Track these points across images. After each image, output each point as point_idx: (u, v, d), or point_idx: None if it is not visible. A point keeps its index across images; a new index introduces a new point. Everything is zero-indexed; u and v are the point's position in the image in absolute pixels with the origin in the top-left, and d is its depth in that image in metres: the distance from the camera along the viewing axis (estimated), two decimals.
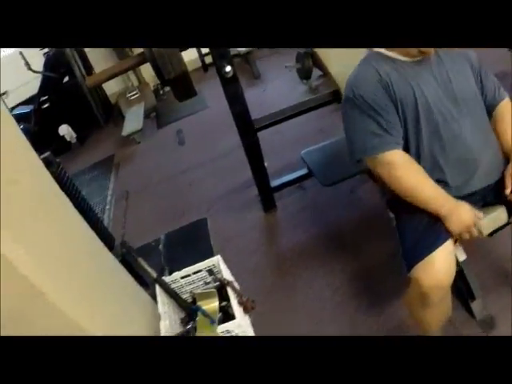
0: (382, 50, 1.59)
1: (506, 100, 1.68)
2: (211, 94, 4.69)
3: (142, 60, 1.61)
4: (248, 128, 2.27)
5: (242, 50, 5.20)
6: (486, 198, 1.63)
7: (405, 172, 1.49)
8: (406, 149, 1.56)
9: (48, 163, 2.40)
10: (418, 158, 1.55)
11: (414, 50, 1.52)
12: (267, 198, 2.78)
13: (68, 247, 1.51)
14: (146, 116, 5.27)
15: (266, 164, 3.07)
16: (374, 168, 1.57)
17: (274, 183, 2.86)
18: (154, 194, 3.76)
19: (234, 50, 5.35)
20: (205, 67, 5.74)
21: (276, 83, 5.10)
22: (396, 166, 1.49)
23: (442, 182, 1.54)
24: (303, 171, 2.86)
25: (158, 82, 5.63)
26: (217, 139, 4.00)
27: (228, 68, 1.95)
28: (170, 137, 4.66)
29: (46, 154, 2.48)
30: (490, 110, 1.66)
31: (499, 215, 1.60)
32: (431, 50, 1.53)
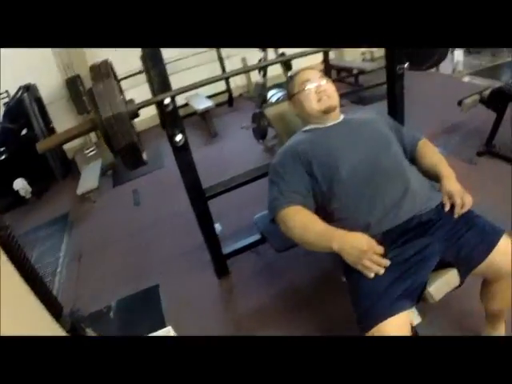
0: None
1: (423, 140, 1.94)
2: (168, 152, 4.69)
3: (93, 127, 1.60)
4: (199, 196, 2.27)
5: (200, 107, 5.26)
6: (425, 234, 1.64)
7: (293, 222, 1.59)
8: (328, 202, 1.68)
9: None
10: (340, 208, 1.66)
11: (317, 113, 1.82)
12: (220, 264, 2.76)
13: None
14: (103, 173, 5.21)
15: (219, 227, 3.07)
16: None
17: (228, 249, 2.83)
18: (108, 255, 3.65)
19: (191, 108, 5.45)
20: (163, 123, 5.78)
21: (233, 142, 5.20)
22: (287, 219, 1.62)
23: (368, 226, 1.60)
24: (257, 236, 2.84)
25: None
26: (173, 199, 3.96)
27: (179, 137, 1.96)
28: (126, 196, 4.61)
29: None
30: (413, 152, 1.89)
31: (451, 278, 1.61)
32: (332, 109, 1.82)
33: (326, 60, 5.29)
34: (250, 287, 2.76)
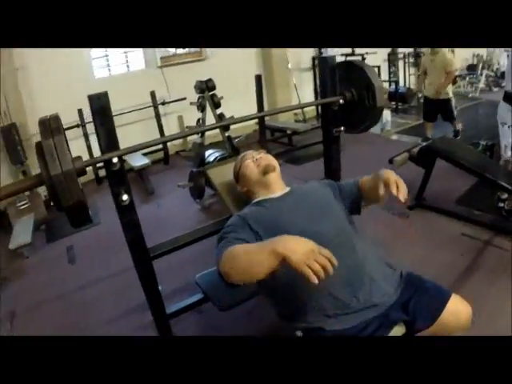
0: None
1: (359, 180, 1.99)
2: (104, 208, 4.59)
3: (39, 182, 1.54)
4: (143, 256, 2.20)
5: (136, 165, 5.23)
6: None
7: (236, 251, 1.47)
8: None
9: None
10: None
11: (258, 177, 1.90)
12: (163, 325, 2.66)
13: None
14: (36, 228, 4.96)
15: (160, 288, 2.98)
16: None
17: (170, 309, 2.73)
18: (42, 316, 3.40)
19: (127, 165, 5.38)
20: (98, 180, 5.66)
21: (169, 200, 5.16)
22: (230, 253, 1.48)
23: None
24: (199, 296, 2.78)
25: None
26: (110, 257, 3.85)
27: (125, 196, 1.92)
28: (61, 252, 4.39)
29: None
30: (357, 192, 1.95)
31: (396, 331, 1.63)
32: (271, 168, 1.90)
33: (261, 121, 5.43)
34: None
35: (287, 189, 1.94)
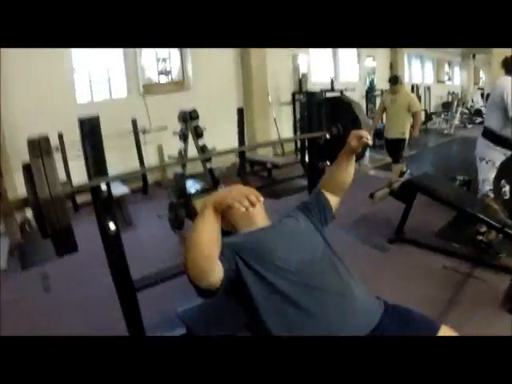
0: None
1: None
2: (81, 235, 4.47)
3: (23, 205, 1.49)
4: (128, 288, 2.14)
5: (115, 193, 5.09)
6: None
7: (186, 249, 1.45)
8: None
9: None
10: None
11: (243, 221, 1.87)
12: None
13: None
14: (11, 253, 4.81)
15: None
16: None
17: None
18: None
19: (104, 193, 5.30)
20: (75, 207, 5.55)
21: (148, 231, 5.06)
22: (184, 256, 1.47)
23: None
24: (182, 330, 2.71)
25: (25, 215, 5.31)
26: (88, 285, 3.74)
27: (113, 225, 1.87)
28: (37, 281, 4.24)
29: None
30: (321, 193, 2.01)
31: None
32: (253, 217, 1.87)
33: (241, 154, 5.46)
34: None
35: (269, 222, 1.93)
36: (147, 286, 2.27)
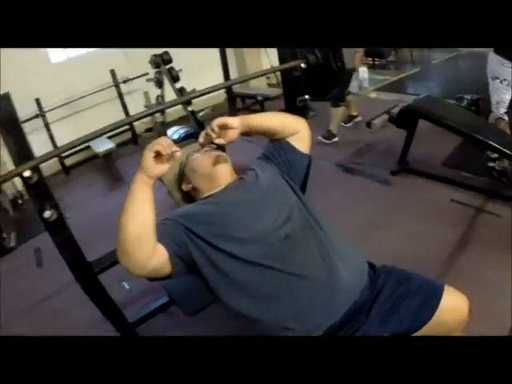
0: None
1: None
2: (73, 201, 4.30)
3: None
4: (85, 273, 1.91)
5: (100, 150, 4.85)
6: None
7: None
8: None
9: None
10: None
11: (209, 169, 1.66)
12: (128, 333, 2.40)
13: None
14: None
15: (127, 286, 2.80)
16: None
17: (136, 316, 2.50)
18: (13, 328, 3.17)
19: (90, 151, 5.08)
20: (66, 170, 5.34)
21: None
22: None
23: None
24: (165, 299, 2.55)
25: (17, 189, 5.16)
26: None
27: (48, 213, 1.60)
28: (30, 255, 4.07)
29: None
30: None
31: None
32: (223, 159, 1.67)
33: (229, 89, 5.08)
34: None
35: (235, 180, 1.69)
36: (108, 267, 2.02)
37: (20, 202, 5.22)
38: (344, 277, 1.42)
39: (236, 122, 1.51)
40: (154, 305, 2.59)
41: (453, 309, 1.42)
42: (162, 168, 1.32)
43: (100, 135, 1.68)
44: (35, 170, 1.48)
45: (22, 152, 1.51)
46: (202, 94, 1.92)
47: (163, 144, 1.29)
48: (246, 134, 1.58)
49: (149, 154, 1.29)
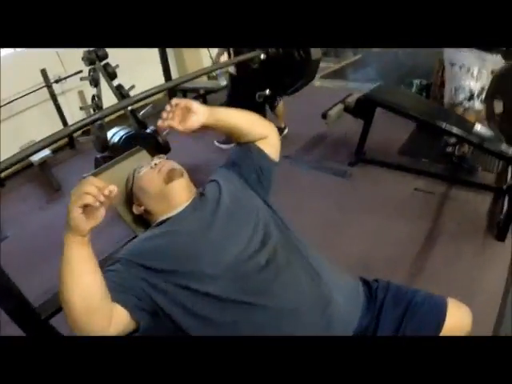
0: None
1: None
2: (10, 216, 3.92)
3: None
4: (32, 322, 1.60)
5: (35, 159, 4.42)
6: None
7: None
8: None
9: None
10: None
11: (160, 186, 1.41)
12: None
13: None
14: None
15: None
16: None
17: None
18: None
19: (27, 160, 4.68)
20: (0, 182, 4.94)
21: None
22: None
23: None
24: None
25: None
26: (21, 280, 3.22)
27: None
28: None
29: None
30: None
31: None
32: (177, 174, 1.43)
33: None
34: None
35: (194, 197, 1.45)
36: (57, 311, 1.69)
37: None
38: (338, 303, 1.23)
39: (200, 108, 1.31)
40: None
41: (458, 325, 1.30)
42: (97, 218, 1.02)
43: (41, 148, 1.37)
44: None
45: None
46: (147, 96, 1.62)
47: (91, 191, 0.98)
48: (209, 127, 1.34)
49: (76, 211, 0.98)
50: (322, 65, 6.32)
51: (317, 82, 5.83)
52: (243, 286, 1.17)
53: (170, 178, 1.41)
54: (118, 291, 1.12)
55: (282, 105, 4.19)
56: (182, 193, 1.41)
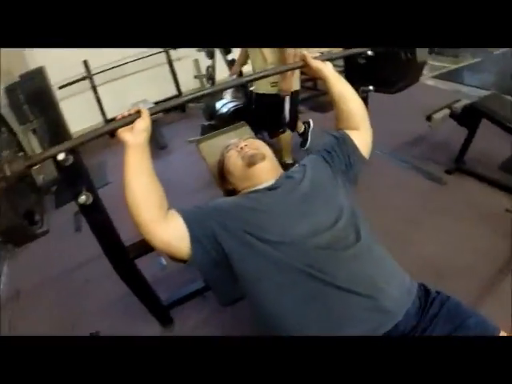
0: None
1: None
2: (115, 165, 4.24)
3: None
4: (121, 259, 1.85)
5: None
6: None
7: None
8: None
9: None
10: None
11: (242, 169, 1.58)
12: (160, 315, 2.37)
13: None
14: (46, 191, 4.65)
15: (163, 262, 2.71)
16: None
17: (170, 299, 2.49)
18: (47, 294, 3.22)
19: None
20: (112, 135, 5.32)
21: (183, 156, 4.71)
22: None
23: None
24: (200, 284, 2.52)
25: None
26: (118, 223, 3.56)
27: (83, 197, 1.53)
28: (68, 219, 4.10)
29: None
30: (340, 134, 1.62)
31: None
32: (259, 157, 1.56)
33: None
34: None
35: (278, 177, 1.57)
36: (143, 253, 1.94)
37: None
38: (389, 293, 1.28)
39: (315, 63, 1.59)
40: (188, 288, 2.56)
41: None
42: (140, 129, 1.32)
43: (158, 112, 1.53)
44: (72, 151, 1.39)
45: (57, 133, 1.42)
46: (259, 78, 1.75)
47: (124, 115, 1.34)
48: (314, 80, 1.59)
49: (120, 133, 1.33)
50: (437, 64, 6.12)
51: (429, 81, 5.65)
52: (301, 256, 1.27)
53: (251, 162, 1.55)
54: (191, 218, 1.35)
55: (288, 135, 3.80)
56: (263, 174, 1.55)
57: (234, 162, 1.63)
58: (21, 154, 1.35)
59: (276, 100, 3.33)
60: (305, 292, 1.25)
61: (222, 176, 1.77)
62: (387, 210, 2.95)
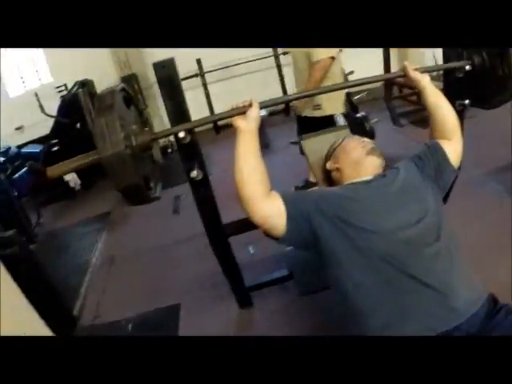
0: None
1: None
2: (219, 159, 4.54)
3: (98, 161, 1.45)
4: (218, 234, 2.09)
5: None
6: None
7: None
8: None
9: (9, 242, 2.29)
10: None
11: (361, 156, 1.72)
12: (242, 296, 2.58)
13: None
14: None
15: (251, 250, 2.91)
16: None
17: (254, 280, 2.67)
18: (139, 264, 3.60)
19: None
20: (217, 129, 5.63)
21: (285, 156, 4.93)
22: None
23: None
24: (285, 272, 2.66)
25: (169, 139, 5.60)
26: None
27: (195, 173, 1.78)
28: (167, 202, 4.49)
29: (11, 232, 2.38)
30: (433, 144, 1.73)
31: None
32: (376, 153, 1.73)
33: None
34: (271, 325, 2.54)
35: (377, 174, 1.71)
36: (237, 231, 2.20)
37: (169, 151, 5.68)
38: (460, 296, 1.38)
39: (414, 74, 1.73)
40: (272, 275, 2.71)
41: None
42: (252, 117, 1.53)
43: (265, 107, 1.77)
44: (190, 131, 1.65)
45: (180, 114, 1.68)
46: (362, 83, 1.90)
47: (238, 105, 1.55)
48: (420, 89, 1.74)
49: (236, 119, 1.53)
50: None
51: None
52: (386, 247, 1.42)
53: (370, 152, 1.72)
54: (291, 199, 1.52)
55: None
56: (372, 167, 1.70)
57: (355, 146, 1.78)
58: (146, 129, 1.60)
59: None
60: (383, 277, 1.40)
61: (328, 155, 1.92)
62: (473, 227, 2.91)
